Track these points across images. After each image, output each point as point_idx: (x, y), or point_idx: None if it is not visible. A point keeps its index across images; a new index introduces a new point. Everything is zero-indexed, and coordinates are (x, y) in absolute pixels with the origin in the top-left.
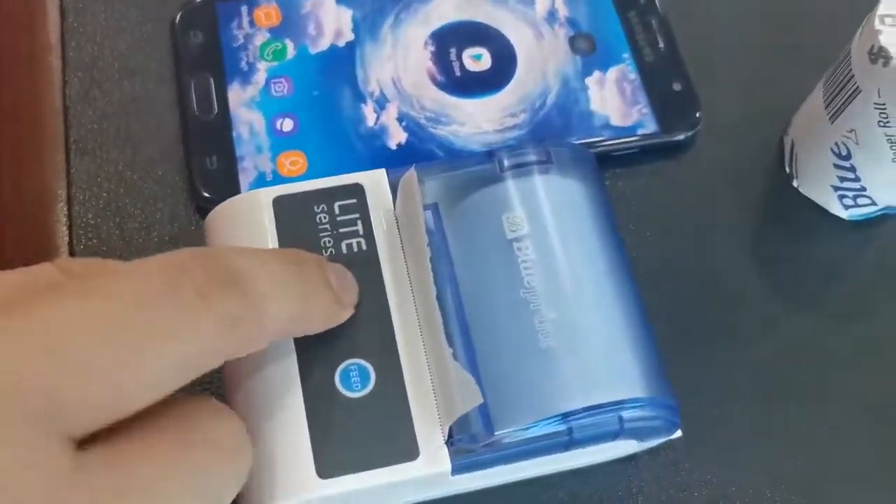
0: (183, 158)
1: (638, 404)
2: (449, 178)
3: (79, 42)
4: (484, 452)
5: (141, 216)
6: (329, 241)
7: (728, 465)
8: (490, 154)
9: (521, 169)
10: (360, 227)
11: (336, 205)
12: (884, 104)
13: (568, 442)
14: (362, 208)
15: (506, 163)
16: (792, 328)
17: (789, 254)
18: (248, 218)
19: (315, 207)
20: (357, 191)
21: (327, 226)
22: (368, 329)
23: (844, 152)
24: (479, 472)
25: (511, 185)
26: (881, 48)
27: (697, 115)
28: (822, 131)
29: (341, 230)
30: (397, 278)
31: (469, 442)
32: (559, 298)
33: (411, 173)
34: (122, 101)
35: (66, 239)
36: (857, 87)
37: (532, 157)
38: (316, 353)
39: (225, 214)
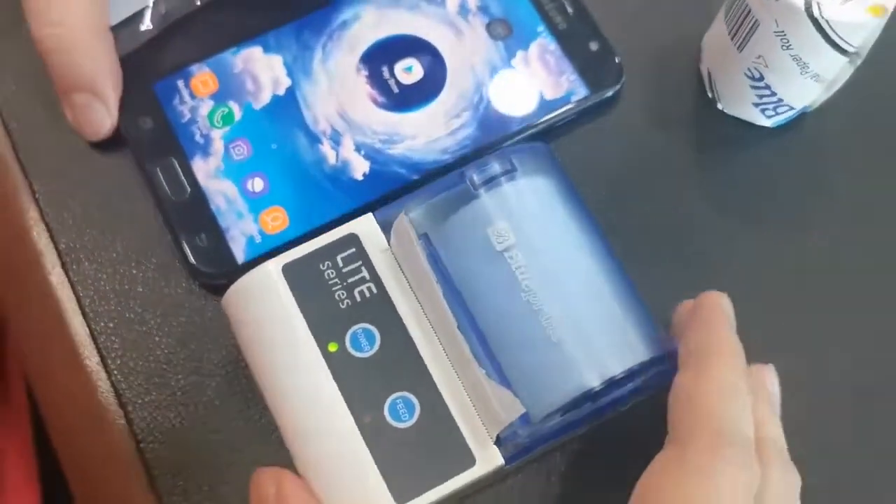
0: (172, 242)
1: (646, 365)
2: (431, 207)
3: (37, 158)
4: (528, 442)
5: (153, 304)
6: (343, 294)
7: None
8: (461, 174)
9: (491, 183)
10: (365, 272)
11: (338, 258)
12: (783, 31)
13: (596, 413)
14: (363, 255)
15: (476, 180)
16: (744, 241)
17: (729, 171)
18: (266, 291)
19: (320, 265)
20: (353, 240)
21: (336, 280)
22: (401, 363)
23: (757, 76)
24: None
25: (487, 201)
26: None
27: (620, 67)
28: (733, 60)
29: (349, 280)
30: (412, 310)
31: (515, 439)
32: (557, 293)
33: (401, 218)
34: (97, 203)
35: (95, 351)
36: (756, 21)
37: (498, 169)
38: (361, 396)
39: (241, 292)
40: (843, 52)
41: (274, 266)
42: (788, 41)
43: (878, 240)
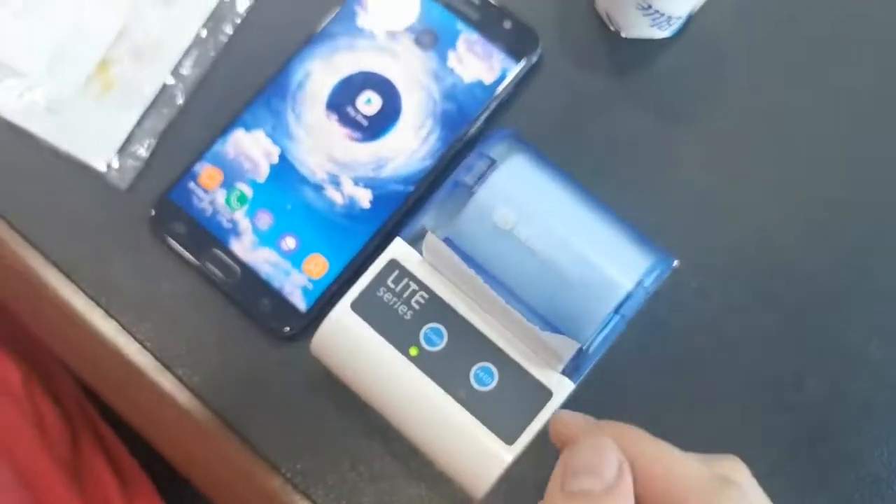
0: (243, 315)
1: (651, 271)
2: (442, 215)
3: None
4: (583, 362)
5: (248, 371)
6: (404, 308)
7: None
8: (454, 182)
9: (480, 179)
10: (414, 285)
11: (388, 282)
12: None
13: (623, 319)
14: (406, 273)
15: (468, 181)
16: (670, 138)
17: (649, 81)
18: (344, 329)
19: (377, 293)
20: (394, 264)
21: (395, 299)
22: (470, 343)
23: (646, 6)
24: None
25: (482, 196)
26: None
27: (534, 33)
28: (624, 1)
29: (404, 295)
30: (462, 301)
31: (574, 365)
32: (562, 244)
33: (429, 236)
34: (164, 306)
35: (231, 432)
36: None
37: (481, 166)
38: (450, 378)
39: (325, 336)
40: None
41: (343, 307)
42: None
43: (773, 104)
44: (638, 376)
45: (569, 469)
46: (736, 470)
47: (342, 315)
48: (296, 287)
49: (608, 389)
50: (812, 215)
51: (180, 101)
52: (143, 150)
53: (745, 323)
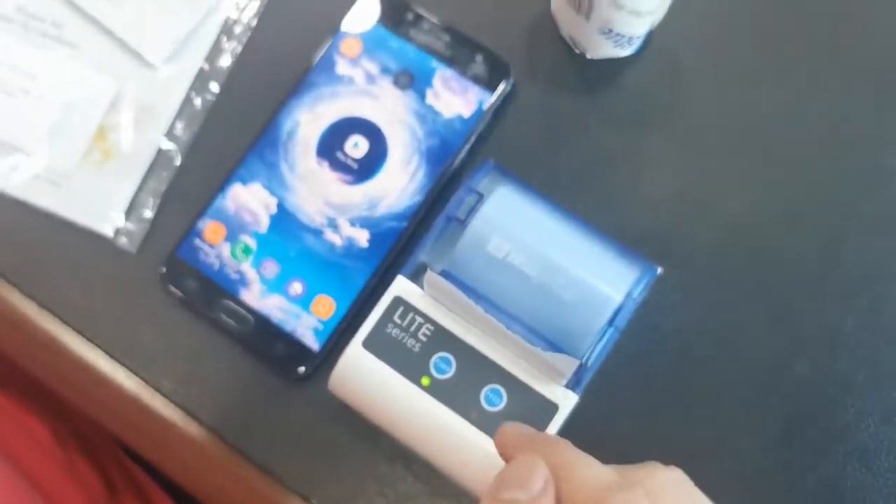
0: (259, 362)
1: (638, 282)
2: (439, 250)
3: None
4: (584, 374)
5: (270, 412)
6: (412, 341)
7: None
8: (447, 218)
9: (470, 213)
10: (419, 319)
11: (395, 318)
12: (617, 1)
13: (616, 329)
14: (411, 308)
15: (460, 216)
16: (643, 148)
17: (617, 97)
18: (359, 367)
19: (386, 329)
20: (398, 301)
21: (402, 333)
22: (477, 368)
23: (607, 30)
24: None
25: (475, 228)
26: None
27: (505, 63)
28: (586, 27)
29: (411, 329)
30: (466, 329)
31: (575, 379)
32: (554, 267)
33: (429, 274)
34: (184, 358)
35: (255, 469)
36: (591, 2)
37: (472, 201)
38: (462, 402)
39: (341, 374)
40: None
41: (355, 346)
42: (620, 3)
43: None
44: (634, 378)
45: (503, 482)
46: (649, 476)
47: (355, 354)
48: (307, 329)
49: (609, 394)
50: (785, 206)
51: (177, 161)
52: (147, 212)
53: (730, 315)
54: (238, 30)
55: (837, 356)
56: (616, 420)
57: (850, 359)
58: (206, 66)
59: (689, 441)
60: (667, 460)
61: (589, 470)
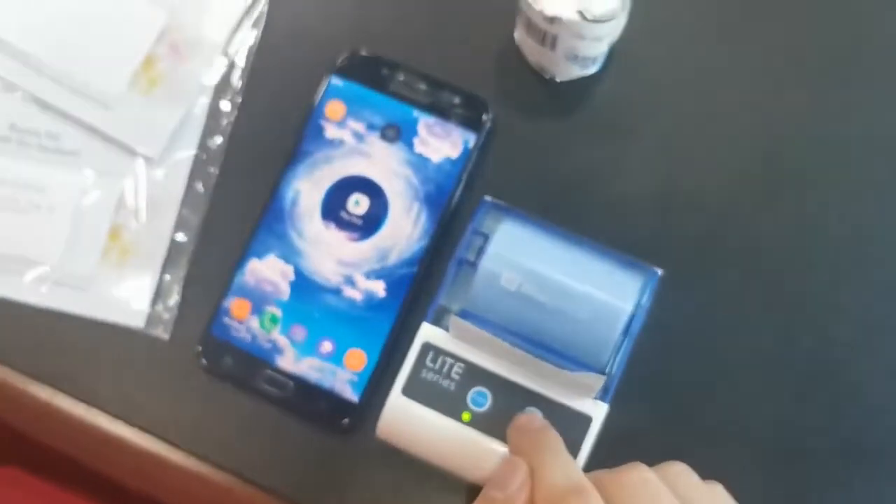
0: (304, 421)
1: (643, 289)
2: (456, 293)
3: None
4: (610, 384)
5: (323, 465)
6: (447, 382)
7: None
8: (458, 261)
9: (479, 253)
10: (450, 359)
11: (427, 362)
12: (577, 32)
13: (631, 337)
14: (440, 351)
15: (470, 258)
16: (624, 155)
17: (590, 112)
18: (402, 412)
19: (422, 374)
20: (428, 346)
21: (436, 375)
22: (512, 395)
23: (573, 56)
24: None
25: (486, 266)
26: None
27: (482, 101)
28: (552, 56)
29: (444, 370)
30: (494, 363)
31: (603, 390)
32: (566, 290)
33: (453, 319)
34: (234, 431)
35: None
36: (555, 36)
37: (479, 242)
38: (501, 428)
39: (387, 422)
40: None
41: (395, 395)
42: (583, 34)
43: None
44: (652, 376)
45: (489, 481)
46: (613, 480)
47: (397, 403)
48: (344, 383)
49: (634, 395)
50: (769, 189)
51: (191, 246)
52: (173, 299)
53: (732, 302)
54: (225, 108)
55: (838, 323)
56: (642, 419)
57: (849, 324)
58: (201, 152)
59: (712, 424)
60: (691, 447)
61: (557, 471)
